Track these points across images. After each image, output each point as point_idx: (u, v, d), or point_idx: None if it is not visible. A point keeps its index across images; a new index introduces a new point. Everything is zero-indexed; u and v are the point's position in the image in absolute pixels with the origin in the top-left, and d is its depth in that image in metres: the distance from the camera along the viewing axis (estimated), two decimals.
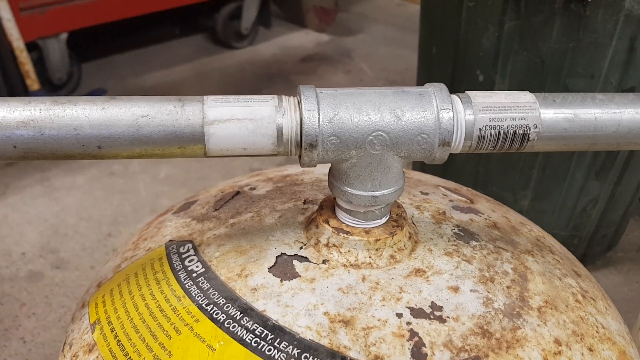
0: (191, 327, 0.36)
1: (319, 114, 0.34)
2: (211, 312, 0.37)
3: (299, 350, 0.34)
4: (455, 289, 0.38)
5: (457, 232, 0.43)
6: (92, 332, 0.39)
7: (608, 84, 0.87)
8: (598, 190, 1.04)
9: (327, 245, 0.40)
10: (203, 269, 0.40)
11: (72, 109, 0.32)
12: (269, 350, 0.34)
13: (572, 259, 0.48)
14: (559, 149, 0.37)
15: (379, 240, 0.39)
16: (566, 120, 0.35)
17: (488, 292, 0.38)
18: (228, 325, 0.36)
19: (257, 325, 0.35)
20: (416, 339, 0.35)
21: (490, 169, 1.06)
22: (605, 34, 0.82)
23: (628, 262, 1.28)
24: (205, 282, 0.39)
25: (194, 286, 0.39)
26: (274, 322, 0.35)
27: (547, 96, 0.36)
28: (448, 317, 0.36)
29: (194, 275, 0.40)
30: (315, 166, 0.36)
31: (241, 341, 0.35)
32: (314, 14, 2.53)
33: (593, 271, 1.22)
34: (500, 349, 0.35)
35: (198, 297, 0.38)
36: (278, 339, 0.35)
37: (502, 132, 0.35)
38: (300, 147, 0.34)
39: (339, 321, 0.35)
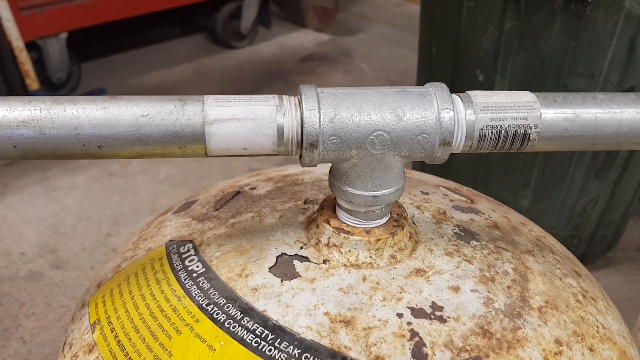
0: (191, 327, 0.36)
1: (319, 114, 0.34)
2: (211, 312, 0.36)
3: (299, 351, 0.34)
4: (456, 289, 0.38)
5: (458, 232, 0.43)
6: (92, 332, 0.39)
7: (608, 84, 0.87)
8: (598, 190, 1.04)
9: (327, 245, 0.40)
10: (203, 269, 0.40)
11: (73, 109, 0.32)
12: (270, 350, 0.34)
13: (572, 259, 0.48)
14: (559, 148, 0.37)
15: (379, 240, 0.39)
16: (567, 120, 0.35)
17: (489, 292, 0.38)
18: (228, 326, 0.36)
19: (258, 326, 0.35)
20: (417, 339, 0.35)
21: (490, 168, 1.06)
22: (605, 34, 0.82)
23: (628, 262, 1.28)
24: (206, 282, 0.39)
25: (194, 286, 0.39)
26: (274, 322, 0.35)
27: (548, 96, 0.36)
28: (449, 317, 0.36)
29: (195, 275, 0.40)
30: (315, 166, 0.36)
31: (241, 341, 0.35)
32: (314, 14, 2.53)
33: (593, 271, 1.22)
34: (501, 349, 0.35)
35: (198, 297, 0.38)
36: (278, 339, 0.35)
37: (502, 131, 0.35)
38: (301, 146, 0.34)
39: (340, 321, 0.35)
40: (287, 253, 0.40)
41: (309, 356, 0.34)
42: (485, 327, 0.36)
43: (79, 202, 1.49)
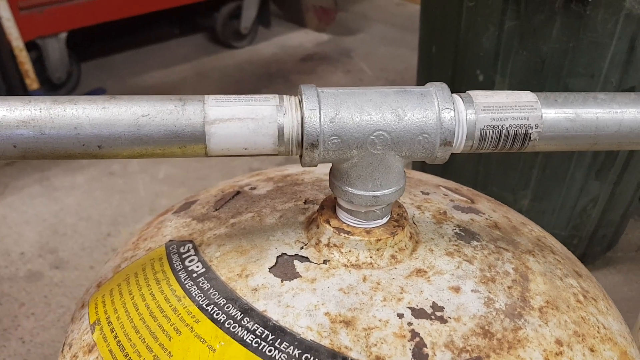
0: (191, 327, 0.36)
1: (320, 114, 0.34)
2: (211, 312, 0.36)
3: (299, 351, 0.34)
4: (457, 289, 0.38)
5: (458, 232, 0.43)
6: (92, 333, 0.39)
7: (608, 84, 0.87)
8: (598, 190, 1.04)
9: (328, 245, 0.40)
10: (203, 269, 0.40)
11: (73, 108, 0.32)
12: (270, 350, 0.34)
13: (573, 259, 0.48)
14: (560, 148, 0.37)
15: (380, 240, 0.39)
16: (568, 120, 0.35)
17: (489, 292, 0.38)
18: (228, 326, 0.35)
19: (258, 326, 0.35)
20: (417, 339, 0.35)
21: (490, 169, 1.06)
22: (605, 34, 0.82)
23: (628, 262, 1.28)
24: (206, 282, 0.39)
25: (195, 286, 0.39)
26: (274, 322, 0.35)
27: (549, 96, 0.36)
28: (449, 317, 0.36)
29: (195, 275, 0.40)
30: (316, 166, 0.36)
31: (242, 342, 0.34)
32: (314, 14, 2.53)
33: (593, 271, 1.22)
34: (502, 350, 0.35)
35: (198, 297, 0.38)
36: (279, 340, 0.34)
37: (503, 131, 0.35)
38: (302, 146, 0.34)
39: (340, 321, 0.35)
40: (288, 253, 0.40)
41: (309, 356, 0.34)
42: (486, 327, 0.36)
43: (79, 202, 1.49)
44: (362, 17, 2.74)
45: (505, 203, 0.55)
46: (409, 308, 0.36)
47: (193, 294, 0.38)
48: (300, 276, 0.38)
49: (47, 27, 1.75)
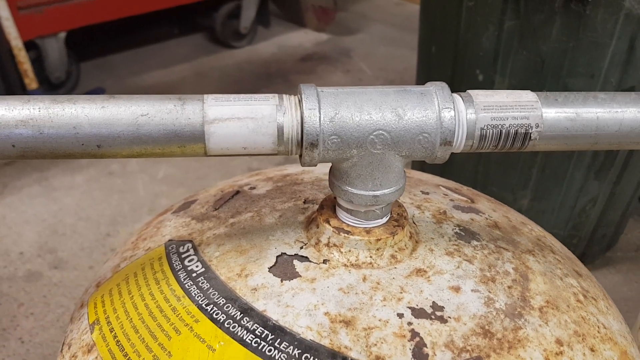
0: (191, 327, 0.36)
1: (320, 113, 0.34)
2: (211, 312, 0.36)
3: (299, 351, 0.34)
4: (457, 289, 0.38)
5: (458, 231, 0.43)
6: (91, 333, 0.39)
7: (608, 84, 0.87)
8: (597, 189, 1.04)
9: (327, 245, 0.39)
10: (203, 269, 0.40)
11: (72, 108, 0.32)
12: (270, 350, 0.34)
13: (573, 259, 0.48)
14: (560, 148, 0.37)
15: (379, 239, 0.39)
16: (568, 119, 0.35)
17: (489, 292, 0.38)
18: (228, 326, 0.35)
19: (258, 326, 0.35)
20: (417, 339, 0.35)
21: (489, 168, 1.06)
22: (605, 34, 0.82)
23: (627, 262, 1.28)
24: (205, 282, 0.39)
25: (194, 286, 0.38)
26: (274, 322, 0.35)
27: (549, 95, 0.36)
28: (449, 317, 0.36)
29: (194, 275, 0.39)
30: (315, 165, 0.36)
31: (241, 341, 0.34)
32: (313, 14, 2.52)
33: (592, 271, 1.22)
34: (502, 349, 0.35)
35: (198, 297, 0.38)
36: (278, 340, 0.34)
37: (503, 131, 0.35)
38: (301, 146, 0.34)
39: (340, 321, 0.35)
40: (287, 253, 0.40)
41: (309, 356, 0.34)
42: (486, 327, 0.36)
43: (78, 202, 1.49)
44: (362, 17, 2.73)
45: (504, 203, 0.55)
46: (409, 308, 0.36)
47: (192, 294, 0.38)
48: (300, 276, 0.38)
49: (46, 26, 1.74)
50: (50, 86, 1.87)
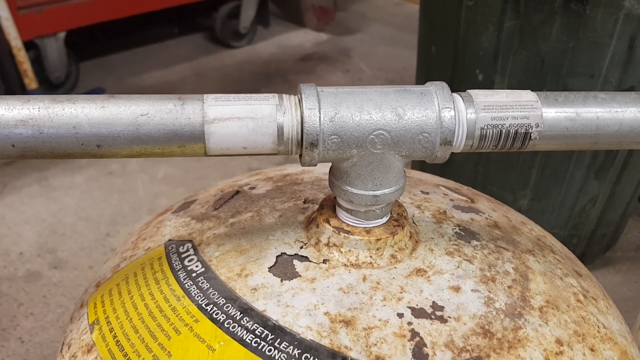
0: (191, 327, 0.36)
1: (320, 113, 0.34)
2: (211, 312, 0.36)
3: (299, 351, 0.34)
4: (457, 289, 0.38)
5: (458, 231, 0.43)
6: (91, 333, 0.39)
7: (608, 84, 0.87)
8: (597, 189, 1.04)
9: (327, 244, 0.39)
10: (203, 269, 0.40)
11: (71, 108, 0.32)
12: (269, 350, 0.34)
13: (573, 259, 0.48)
14: (560, 148, 0.37)
15: (379, 239, 0.39)
16: (568, 119, 0.35)
17: (489, 291, 0.38)
18: (228, 326, 0.35)
19: (257, 326, 0.35)
20: (417, 339, 0.34)
21: (489, 168, 1.06)
22: (605, 33, 0.82)
23: (627, 262, 1.28)
24: (205, 282, 0.39)
25: (194, 286, 0.38)
26: (274, 322, 0.35)
27: (549, 95, 0.36)
28: (449, 317, 0.36)
29: (194, 275, 0.39)
30: (315, 165, 0.36)
31: (241, 341, 0.34)
32: (313, 14, 2.52)
33: (592, 270, 1.22)
34: (502, 349, 0.35)
35: (198, 297, 0.38)
36: (278, 339, 0.34)
37: (503, 131, 0.35)
38: (301, 146, 0.34)
39: (340, 321, 0.35)
40: (287, 253, 0.40)
41: (309, 356, 0.34)
42: (486, 327, 0.36)
43: (78, 202, 1.49)
44: (361, 17, 2.73)
45: (504, 203, 0.55)
46: (409, 308, 0.36)
47: (192, 294, 0.38)
48: (300, 276, 0.38)
49: (45, 26, 1.74)
50: (50, 86, 1.87)
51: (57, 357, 0.42)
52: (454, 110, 0.35)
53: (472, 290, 0.38)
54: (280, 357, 0.34)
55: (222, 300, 0.37)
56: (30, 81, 1.68)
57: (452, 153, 0.36)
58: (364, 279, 0.38)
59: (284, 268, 0.39)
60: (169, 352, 0.35)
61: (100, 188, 1.54)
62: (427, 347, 0.34)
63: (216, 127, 0.33)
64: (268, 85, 2.08)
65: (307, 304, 0.36)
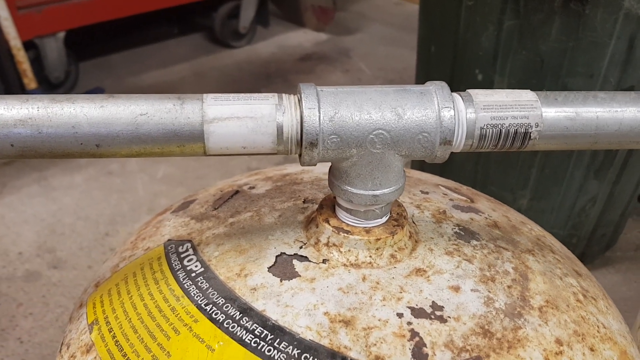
0: (190, 327, 0.36)
1: (319, 112, 0.33)
2: (210, 312, 0.36)
3: (299, 351, 0.34)
4: (456, 289, 0.38)
5: (458, 231, 0.43)
6: (90, 333, 0.39)
7: (607, 83, 0.87)
8: (597, 189, 1.04)
9: (327, 244, 0.39)
10: (202, 269, 0.40)
11: (70, 107, 0.32)
12: (269, 350, 0.34)
13: (572, 258, 0.48)
14: (560, 147, 0.37)
15: (379, 239, 0.39)
16: (568, 119, 0.35)
17: (489, 291, 0.38)
18: (227, 326, 0.35)
19: (257, 326, 0.35)
20: (417, 339, 0.34)
21: (489, 168, 1.06)
22: (604, 33, 0.82)
23: (626, 262, 1.28)
24: (204, 281, 0.39)
25: (193, 286, 0.38)
26: (273, 322, 0.35)
27: (549, 94, 0.36)
28: (449, 317, 0.36)
29: (193, 275, 0.39)
30: (315, 165, 0.36)
31: (241, 341, 0.34)
32: (312, 13, 2.52)
33: (591, 270, 1.22)
34: (502, 349, 0.35)
35: (197, 297, 0.37)
36: (278, 339, 0.34)
37: (503, 130, 0.35)
38: (301, 145, 0.34)
39: (340, 321, 0.35)
40: (287, 252, 0.40)
41: (308, 356, 0.33)
42: (486, 327, 0.36)
43: (77, 202, 1.49)
44: (361, 17, 2.73)
45: (504, 202, 0.55)
46: (409, 307, 0.36)
47: (192, 294, 0.38)
48: (300, 276, 0.38)
49: (45, 26, 1.74)
50: (50, 86, 1.87)
51: (56, 357, 0.42)
52: (454, 109, 0.34)
53: (471, 290, 0.38)
54: (279, 357, 0.33)
55: (222, 300, 0.37)
56: (30, 81, 1.68)
57: (452, 153, 0.36)
58: (364, 278, 0.38)
59: (283, 268, 0.39)
60: (168, 352, 0.35)
61: (99, 188, 1.54)
62: (426, 347, 0.34)
63: (215, 126, 0.33)
64: (268, 85, 2.08)
65: (307, 304, 0.36)
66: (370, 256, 0.39)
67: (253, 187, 0.50)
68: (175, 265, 0.41)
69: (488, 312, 0.37)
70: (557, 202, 1.06)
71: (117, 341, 0.37)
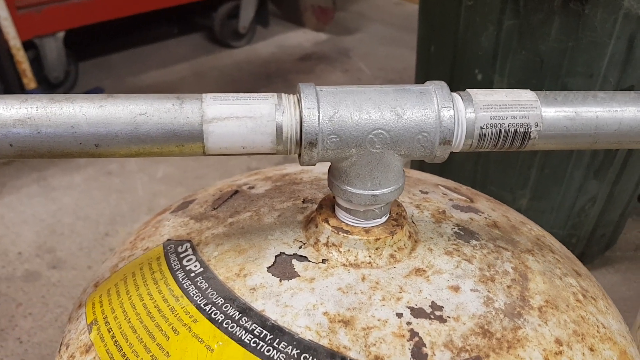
0: (189, 327, 0.36)
1: (319, 112, 0.33)
2: (209, 312, 0.36)
3: (298, 351, 0.34)
4: (456, 289, 0.38)
5: (457, 231, 0.43)
6: (89, 333, 0.39)
7: (607, 83, 0.87)
8: (596, 189, 1.04)
9: (326, 244, 0.39)
10: (201, 269, 0.40)
11: (69, 107, 0.32)
12: (268, 350, 0.34)
13: (572, 258, 0.48)
14: (559, 147, 0.37)
15: (378, 239, 0.39)
16: (567, 118, 0.35)
17: (489, 291, 0.38)
18: (227, 326, 0.35)
19: (256, 326, 0.35)
20: (416, 339, 0.34)
21: (488, 168, 1.06)
22: (604, 33, 0.82)
23: (626, 262, 1.28)
24: (204, 281, 0.38)
25: (192, 286, 0.38)
26: (273, 322, 0.35)
27: (548, 94, 0.36)
28: (448, 317, 0.36)
29: (192, 275, 0.39)
30: (314, 165, 0.36)
31: (240, 341, 0.34)
32: (312, 13, 2.52)
33: (591, 270, 1.22)
34: (501, 349, 0.35)
35: (196, 297, 0.37)
36: (277, 339, 0.34)
37: (503, 130, 0.35)
38: (300, 145, 0.34)
39: (339, 321, 0.35)
40: (286, 252, 0.40)
41: (307, 356, 0.33)
42: (485, 326, 0.36)
43: (77, 202, 1.49)
44: (361, 17, 2.73)
45: (504, 202, 0.55)
46: (408, 307, 0.36)
47: (191, 294, 0.38)
48: (299, 275, 0.38)
49: (44, 26, 1.74)
50: (49, 86, 1.87)
51: (55, 357, 0.42)
52: (453, 109, 0.34)
53: (471, 290, 0.38)
54: (279, 357, 0.33)
55: (221, 300, 0.37)
56: (29, 81, 1.68)
57: (451, 152, 0.36)
58: (363, 278, 0.38)
59: (282, 268, 0.39)
60: (167, 352, 0.35)
61: (99, 188, 1.54)
62: (426, 347, 0.34)
63: (215, 126, 0.33)
64: (267, 85, 2.08)
65: (306, 304, 0.36)
66: (370, 256, 0.39)
67: (252, 187, 0.50)
68: (175, 265, 0.41)
69: (487, 312, 0.37)
70: (556, 202, 1.06)
71: (116, 341, 0.37)
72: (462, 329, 0.35)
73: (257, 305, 0.36)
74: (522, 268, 0.41)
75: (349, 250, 0.39)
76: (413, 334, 0.35)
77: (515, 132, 0.35)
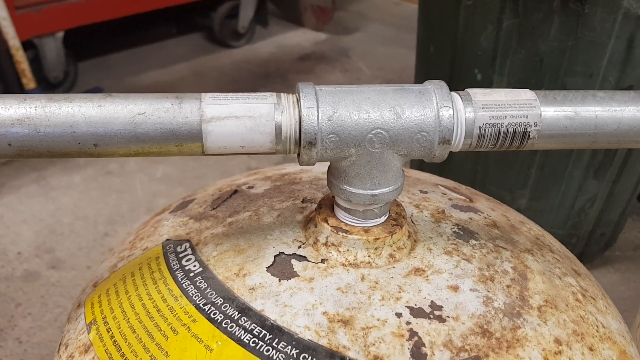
0: (188, 327, 0.36)
1: (318, 112, 0.33)
2: (209, 312, 0.36)
3: (297, 351, 0.34)
4: (455, 288, 0.38)
5: (457, 230, 0.43)
6: (88, 333, 0.39)
7: (606, 83, 0.87)
8: (596, 189, 1.04)
9: (325, 244, 0.39)
10: (200, 269, 0.40)
11: (68, 107, 0.32)
12: (267, 350, 0.34)
13: (571, 258, 0.48)
14: (559, 147, 0.37)
15: (378, 239, 0.39)
16: (567, 118, 0.35)
17: (488, 291, 0.38)
18: (226, 325, 0.35)
19: (255, 325, 0.35)
20: (416, 338, 0.34)
21: (488, 168, 1.06)
22: (603, 33, 0.82)
23: (626, 261, 1.28)
24: (203, 281, 0.38)
25: (191, 286, 0.38)
26: (272, 322, 0.35)
27: (548, 94, 0.36)
28: (448, 316, 0.36)
29: (191, 274, 0.39)
30: (314, 164, 0.36)
31: (239, 341, 0.34)
32: (312, 13, 2.52)
33: (591, 270, 1.22)
34: (501, 349, 0.35)
35: (195, 296, 0.37)
36: (276, 339, 0.34)
37: (502, 130, 0.35)
38: (299, 145, 0.34)
39: (338, 321, 0.35)
40: (285, 252, 0.40)
41: (307, 356, 0.33)
42: (485, 326, 0.36)
43: (76, 202, 1.49)
44: (360, 17, 2.73)
45: (503, 202, 0.55)
46: (408, 307, 0.36)
47: (190, 294, 0.38)
48: (298, 275, 0.38)
49: (43, 26, 1.74)
50: (48, 86, 1.87)
51: (54, 357, 0.42)
52: (453, 109, 0.34)
53: (470, 289, 0.38)
54: (278, 357, 0.33)
55: (220, 300, 0.37)
56: (29, 81, 1.68)
57: (451, 152, 0.36)
58: (362, 278, 0.38)
59: (282, 268, 0.39)
60: (166, 352, 0.35)
61: (98, 188, 1.54)
62: (425, 347, 0.34)
63: (214, 126, 0.33)
64: (267, 85, 2.08)
65: (305, 304, 0.36)
66: (369, 256, 0.39)
67: (252, 187, 0.50)
68: (174, 265, 0.41)
69: (487, 312, 0.37)
70: (556, 202, 1.06)
71: (115, 341, 0.37)
72: (461, 328, 0.35)
73: (257, 305, 0.36)
74: (522, 268, 0.41)
75: (348, 250, 0.39)
76: (412, 333, 0.35)
77: (515, 131, 0.35)
